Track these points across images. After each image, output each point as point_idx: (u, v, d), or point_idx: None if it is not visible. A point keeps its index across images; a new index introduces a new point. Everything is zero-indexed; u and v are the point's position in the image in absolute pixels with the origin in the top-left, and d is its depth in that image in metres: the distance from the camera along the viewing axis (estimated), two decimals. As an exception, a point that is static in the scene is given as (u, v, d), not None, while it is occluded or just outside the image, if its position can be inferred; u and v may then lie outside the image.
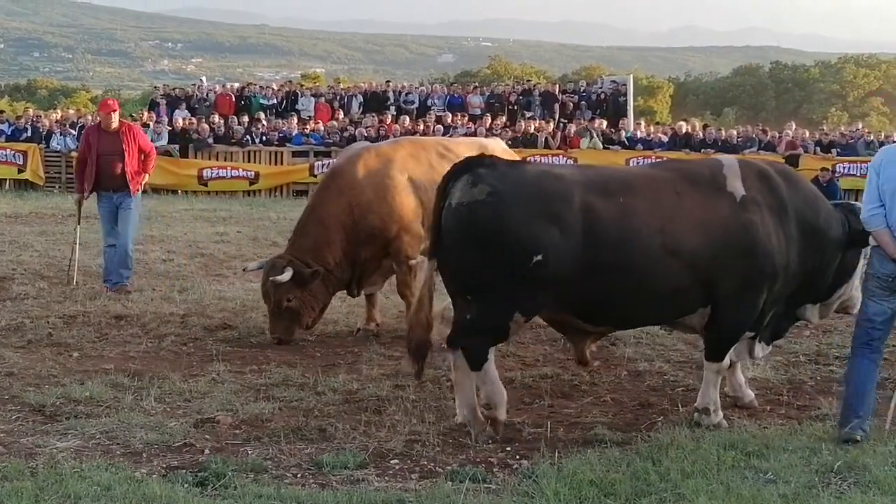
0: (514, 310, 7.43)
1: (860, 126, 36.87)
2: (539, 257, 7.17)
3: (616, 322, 8.19)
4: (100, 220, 13.41)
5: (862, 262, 8.38)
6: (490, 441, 7.44)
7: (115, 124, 13.10)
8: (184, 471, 6.61)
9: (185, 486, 6.31)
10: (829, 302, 8.61)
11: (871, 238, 7.74)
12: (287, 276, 10.23)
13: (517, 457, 7.12)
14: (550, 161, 27.49)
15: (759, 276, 7.71)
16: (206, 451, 7.05)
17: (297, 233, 10.90)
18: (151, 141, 28.18)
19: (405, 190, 11.05)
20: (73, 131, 28.80)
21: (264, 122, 30.91)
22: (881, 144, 29.87)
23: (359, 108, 33.91)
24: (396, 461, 6.96)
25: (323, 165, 29.12)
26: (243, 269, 11.52)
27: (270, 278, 10.28)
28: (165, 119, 30.98)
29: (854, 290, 8.52)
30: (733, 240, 7.59)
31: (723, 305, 7.73)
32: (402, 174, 11.10)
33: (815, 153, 29.48)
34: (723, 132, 32.67)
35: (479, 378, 7.64)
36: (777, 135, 31.51)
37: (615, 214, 7.36)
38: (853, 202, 8.77)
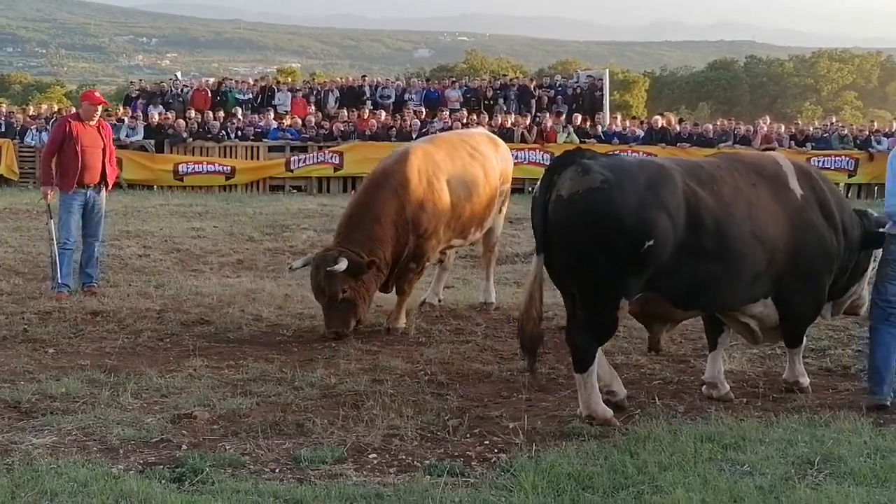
0: (621, 295, 7.57)
1: (834, 120, 37.09)
2: (650, 242, 7.37)
3: (705, 306, 8.36)
4: (65, 216, 12.77)
5: (872, 265, 8.91)
6: (468, 435, 7.45)
7: (97, 118, 12.92)
8: (161, 466, 6.59)
9: (163, 481, 6.29)
10: (841, 301, 9.06)
11: (890, 225, 8.31)
12: (342, 265, 10.22)
13: (495, 450, 7.11)
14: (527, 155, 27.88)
15: (819, 269, 8.37)
16: (184, 447, 7.03)
17: (348, 227, 10.83)
18: (127, 136, 28.35)
19: (445, 192, 11.22)
20: (48, 126, 28.64)
21: (240, 117, 30.81)
22: (855, 139, 30.22)
23: (335, 103, 33.82)
24: (374, 455, 6.95)
25: (299, 160, 29.15)
26: (289, 269, 11.53)
27: (327, 269, 10.27)
28: (141, 114, 30.84)
29: (863, 290, 9.10)
30: (797, 229, 8.18)
31: (790, 298, 8.33)
32: (444, 176, 11.28)
33: (789, 147, 29.59)
34: (698, 126, 32.84)
35: (580, 381, 7.72)
36: (752, 129, 31.69)
37: (712, 201, 7.72)
38: (866, 209, 9.19)
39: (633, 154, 26.71)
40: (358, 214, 10.86)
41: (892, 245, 8.34)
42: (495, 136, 13.19)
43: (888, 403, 8.15)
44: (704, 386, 8.64)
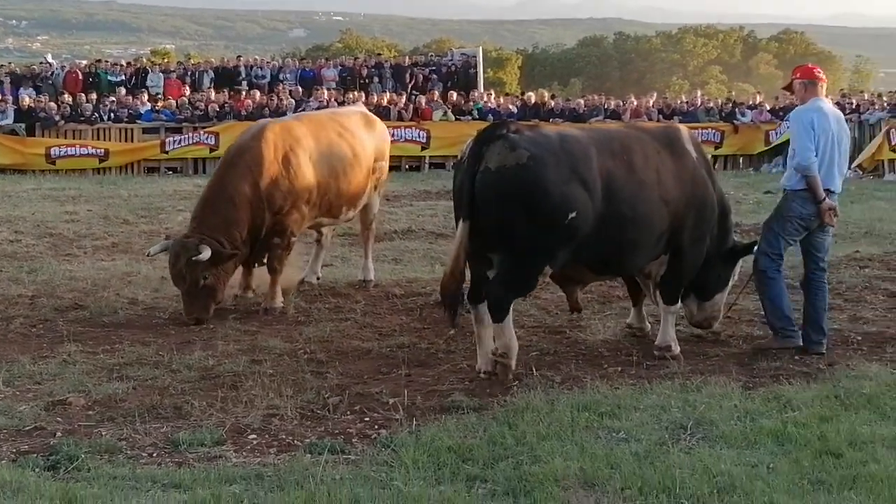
0: (545, 263, 8.16)
1: (700, 94, 38.11)
2: (573, 214, 7.91)
3: (617, 270, 9.11)
4: None
5: (731, 284, 9.58)
6: (348, 412, 7.46)
7: None
8: (35, 455, 6.49)
9: (37, 470, 6.20)
10: (704, 306, 9.49)
11: (793, 182, 8.91)
12: (206, 254, 10.10)
13: (375, 427, 7.15)
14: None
15: (706, 226, 8.98)
16: (58, 434, 6.92)
17: (204, 210, 10.71)
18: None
19: (306, 168, 11.11)
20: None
21: (114, 99, 30.26)
22: (720, 111, 31.29)
23: (210, 84, 33.40)
24: (254, 436, 6.93)
25: (175, 142, 28.78)
26: (147, 254, 11.38)
27: (192, 258, 10.12)
28: (10, 98, 30.12)
29: (721, 306, 9.60)
30: (695, 192, 8.83)
31: (682, 252, 8.91)
32: (305, 153, 11.17)
33: (658, 121, 30.08)
34: (570, 102, 33.36)
35: (498, 329, 8.15)
36: (622, 103, 32.48)
37: (624, 171, 8.29)
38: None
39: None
40: (213, 196, 10.78)
41: (793, 202, 8.92)
42: (371, 115, 13.11)
43: (800, 343, 8.99)
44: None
